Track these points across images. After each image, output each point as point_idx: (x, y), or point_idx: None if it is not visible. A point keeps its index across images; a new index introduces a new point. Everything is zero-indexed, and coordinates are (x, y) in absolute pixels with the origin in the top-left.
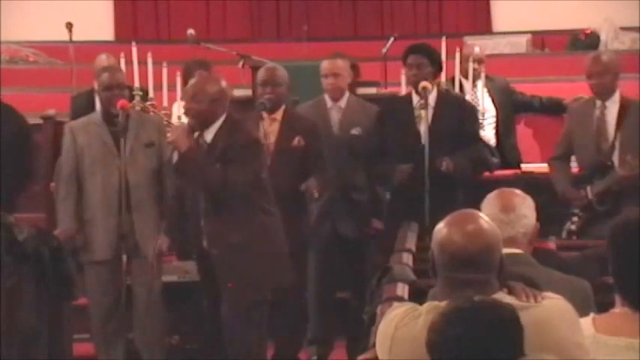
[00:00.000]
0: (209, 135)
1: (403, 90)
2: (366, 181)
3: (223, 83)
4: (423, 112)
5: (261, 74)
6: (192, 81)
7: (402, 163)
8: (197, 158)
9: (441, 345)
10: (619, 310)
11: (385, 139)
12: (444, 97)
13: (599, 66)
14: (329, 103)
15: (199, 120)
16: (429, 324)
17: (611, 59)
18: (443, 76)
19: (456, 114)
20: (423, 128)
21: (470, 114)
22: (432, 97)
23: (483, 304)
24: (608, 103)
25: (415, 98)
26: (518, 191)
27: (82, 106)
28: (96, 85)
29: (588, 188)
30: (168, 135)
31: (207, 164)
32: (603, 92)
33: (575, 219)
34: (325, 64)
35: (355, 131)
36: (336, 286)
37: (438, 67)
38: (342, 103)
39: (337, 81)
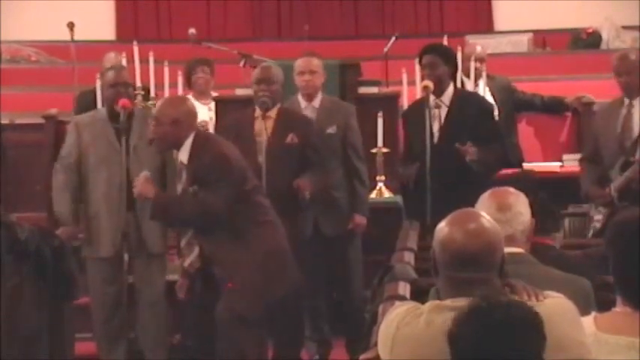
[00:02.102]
0: (184, 155)
1: (404, 89)
2: (344, 178)
3: (189, 103)
4: (436, 111)
5: (256, 73)
6: (157, 104)
7: (417, 162)
8: (169, 199)
9: (462, 341)
10: (620, 309)
11: (407, 142)
12: (459, 96)
13: (628, 64)
14: (303, 103)
15: (164, 142)
16: (451, 320)
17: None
18: None
19: (472, 112)
20: (435, 128)
21: (486, 111)
22: (447, 97)
23: (507, 303)
24: (635, 102)
25: (431, 98)
26: (511, 189)
27: (87, 104)
28: (99, 83)
29: (611, 186)
30: (134, 191)
31: (182, 198)
32: (632, 90)
33: (599, 217)
34: (300, 62)
35: (331, 130)
36: (324, 284)
37: (453, 66)
38: (316, 102)
39: (313, 78)
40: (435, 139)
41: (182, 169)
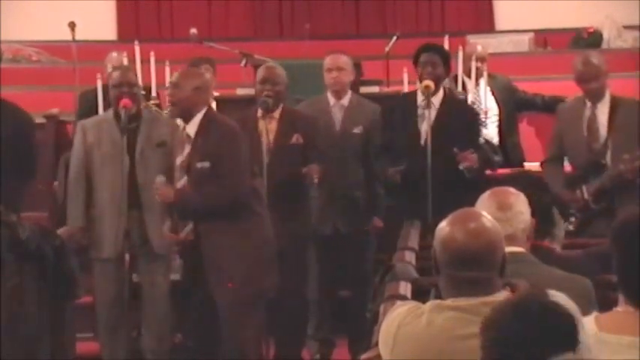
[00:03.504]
0: (192, 129)
1: (405, 89)
2: (367, 178)
3: (207, 76)
4: (426, 111)
5: (260, 72)
6: (176, 73)
7: (401, 160)
8: (190, 195)
9: (495, 330)
10: (622, 308)
11: (388, 136)
12: (449, 100)
13: (593, 70)
14: (332, 101)
15: (181, 108)
16: (484, 319)
17: (601, 61)
18: None
19: (460, 118)
20: (424, 127)
21: (474, 120)
22: (438, 99)
23: (545, 296)
24: (598, 104)
25: (420, 97)
26: (511, 189)
27: (88, 103)
28: (100, 83)
29: (584, 188)
30: (157, 196)
31: (200, 189)
32: (599, 96)
33: (572, 219)
34: (329, 59)
35: (357, 130)
36: (338, 284)
37: (448, 69)
38: (345, 101)
39: (340, 75)
40: (423, 140)
41: (185, 142)
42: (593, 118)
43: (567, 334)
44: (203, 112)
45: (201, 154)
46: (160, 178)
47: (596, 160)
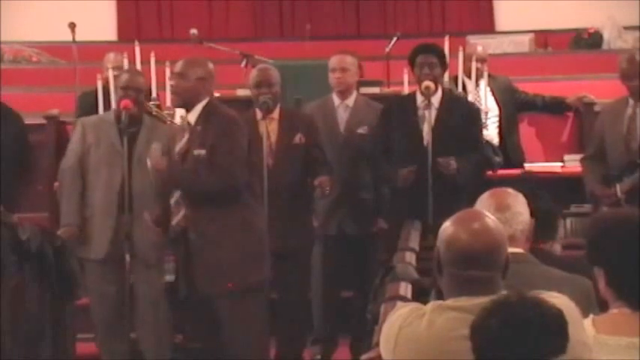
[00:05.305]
0: (192, 117)
1: (406, 89)
2: (372, 179)
3: (210, 65)
4: (426, 112)
5: (254, 76)
6: (180, 60)
7: (403, 162)
8: (182, 170)
9: (481, 334)
10: (617, 310)
11: (388, 138)
12: (448, 98)
13: (637, 68)
14: (336, 101)
15: (183, 97)
16: (472, 323)
17: None
18: (445, 76)
19: (460, 116)
20: (425, 128)
21: (474, 116)
22: (437, 98)
23: (533, 300)
24: None
25: (419, 98)
26: (510, 189)
27: (88, 104)
28: (100, 84)
29: (618, 186)
30: (148, 162)
31: (196, 167)
32: None
33: None
34: (333, 60)
35: (362, 130)
36: (342, 284)
37: (444, 69)
38: (350, 101)
39: (344, 75)
40: (425, 141)
41: (185, 129)
42: (634, 117)
43: (554, 332)
44: (205, 101)
45: (199, 141)
46: (157, 145)
47: (632, 160)
